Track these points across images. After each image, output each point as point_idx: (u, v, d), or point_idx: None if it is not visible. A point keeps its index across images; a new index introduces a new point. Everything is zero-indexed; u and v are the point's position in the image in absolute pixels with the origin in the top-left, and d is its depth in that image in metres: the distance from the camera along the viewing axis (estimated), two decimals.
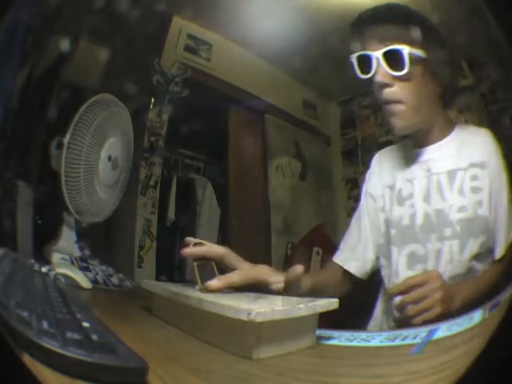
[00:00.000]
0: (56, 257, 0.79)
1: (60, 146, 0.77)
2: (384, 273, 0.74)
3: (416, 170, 0.73)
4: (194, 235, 0.88)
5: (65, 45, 0.78)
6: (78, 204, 0.79)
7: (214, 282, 0.63)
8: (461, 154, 0.71)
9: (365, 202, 0.77)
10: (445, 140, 0.72)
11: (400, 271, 0.70)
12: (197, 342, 0.54)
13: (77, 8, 0.79)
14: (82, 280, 0.74)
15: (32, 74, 0.79)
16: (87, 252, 0.82)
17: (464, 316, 0.59)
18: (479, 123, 0.78)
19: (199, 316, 0.54)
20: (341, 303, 0.56)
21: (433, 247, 0.68)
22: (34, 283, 0.58)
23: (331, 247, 0.82)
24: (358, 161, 0.88)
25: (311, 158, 0.91)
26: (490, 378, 0.51)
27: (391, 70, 0.67)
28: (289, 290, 0.65)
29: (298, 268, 0.65)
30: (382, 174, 0.77)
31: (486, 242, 0.67)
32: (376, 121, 0.87)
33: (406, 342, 0.57)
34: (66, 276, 0.72)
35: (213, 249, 0.68)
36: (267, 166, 0.90)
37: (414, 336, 0.57)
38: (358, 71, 0.69)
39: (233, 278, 0.65)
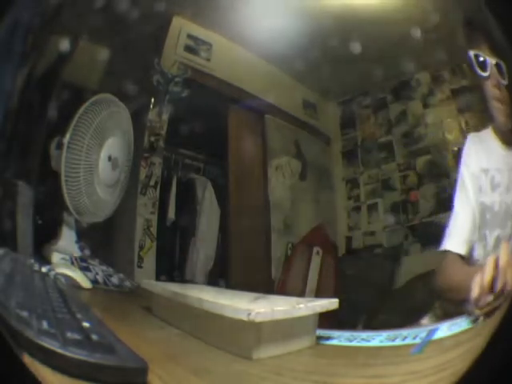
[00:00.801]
0: (56, 257, 0.79)
1: (60, 145, 0.77)
2: (476, 253, 0.78)
3: (503, 162, 0.79)
4: (194, 235, 0.88)
5: (65, 45, 0.78)
6: (78, 204, 0.79)
7: None
8: None
9: (469, 182, 0.80)
10: None
11: (490, 253, 0.75)
12: (197, 341, 0.54)
13: (77, 8, 0.79)
14: (82, 280, 0.74)
15: (32, 74, 0.79)
16: (87, 252, 0.82)
17: (464, 316, 0.59)
18: (479, 123, 0.78)
19: (199, 316, 0.54)
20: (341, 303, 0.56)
21: (507, 233, 0.75)
22: (34, 283, 0.58)
23: (331, 247, 0.82)
24: (357, 161, 0.88)
25: (311, 158, 0.91)
26: (490, 378, 0.51)
27: (500, 78, 0.75)
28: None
29: None
30: (478, 156, 0.80)
31: None
32: (376, 121, 0.87)
33: (406, 341, 0.57)
34: (66, 276, 0.72)
35: None
36: (267, 166, 0.90)
37: (413, 336, 0.57)
38: (476, 66, 0.76)
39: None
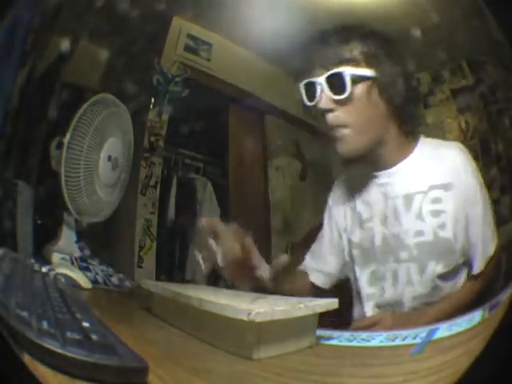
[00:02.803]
0: (56, 257, 0.79)
1: (60, 145, 0.77)
2: (352, 287, 0.74)
3: (374, 193, 0.73)
4: (194, 235, 0.88)
5: (65, 45, 0.78)
6: (78, 204, 0.79)
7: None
8: (421, 176, 0.70)
9: (328, 221, 0.78)
10: (403, 162, 0.71)
11: (362, 288, 0.71)
12: (197, 341, 0.54)
13: (77, 8, 0.79)
14: (82, 280, 0.74)
15: (32, 74, 0.79)
16: (87, 252, 0.82)
17: (464, 316, 0.59)
18: (479, 123, 0.78)
19: (199, 316, 0.54)
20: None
21: (390, 268, 0.69)
22: (33, 283, 0.58)
23: None
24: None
25: (311, 158, 0.91)
26: (490, 378, 0.51)
27: (333, 95, 0.67)
28: (274, 279, 0.67)
29: (284, 257, 0.65)
30: (344, 195, 0.77)
31: (451, 262, 0.67)
32: None
33: (406, 341, 0.57)
34: (66, 276, 0.72)
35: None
36: (267, 166, 0.90)
37: (413, 336, 0.57)
38: (305, 99, 0.70)
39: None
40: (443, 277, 0.67)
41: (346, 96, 0.66)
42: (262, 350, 0.48)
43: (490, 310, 0.59)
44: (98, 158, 0.80)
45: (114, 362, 0.35)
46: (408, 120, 0.71)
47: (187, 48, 0.85)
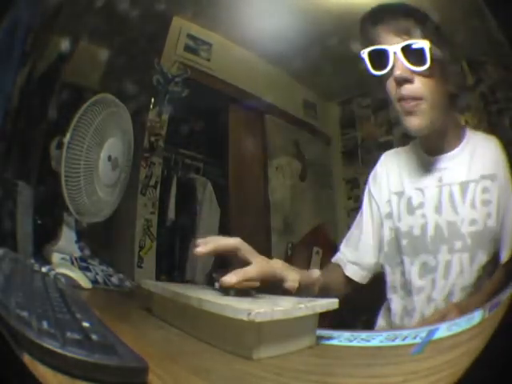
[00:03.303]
0: (56, 257, 0.79)
1: (60, 145, 0.77)
2: (390, 279, 0.73)
3: (427, 178, 0.71)
4: (194, 235, 0.88)
5: (65, 45, 0.78)
6: (78, 204, 0.79)
7: (229, 277, 0.59)
8: (473, 164, 0.70)
9: (368, 206, 0.76)
10: (458, 149, 0.71)
11: (412, 280, 0.70)
12: (197, 341, 0.54)
13: (77, 8, 0.79)
14: (82, 280, 0.74)
15: (32, 74, 0.79)
16: (87, 252, 0.82)
17: (464, 316, 0.59)
18: (479, 123, 0.78)
19: (199, 316, 0.54)
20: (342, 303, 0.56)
21: (443, 259, 0.68)
22: (33, 283, 0.58)
23: (331, 247, 0.82)
24: (358, 161, 0.88)
25: (311, 158, 0.91)
26: (490, 377, 0.51)
27: (411, 65, 0.65)
28: (301, 291, 0.65)
29: (315, 273, 0.64)
30: (389, 178, 0.75)
31: (491, 251, 0.67)
32: (376, 121, 0.87)
33: (406, 341, 0.57)
34: (66, 276, 0.72)
35: (224, 241, 0.65)
36: (267, 165, 0.90)
37: (414, 336, 0.57)
38: (370, 67, 0.67)
39: (249, 271, 0.62)
40: (484, 267, 0.67)
41: (426, 68, 0.64)
42: (261, 350, 0.48)
43: (489, 310, 0.59)
44: (98, 158, 0.80)
45: (113, 362, 0.35)
46: (461, 106, 0.71)
47: (187, 48, 0.85)
